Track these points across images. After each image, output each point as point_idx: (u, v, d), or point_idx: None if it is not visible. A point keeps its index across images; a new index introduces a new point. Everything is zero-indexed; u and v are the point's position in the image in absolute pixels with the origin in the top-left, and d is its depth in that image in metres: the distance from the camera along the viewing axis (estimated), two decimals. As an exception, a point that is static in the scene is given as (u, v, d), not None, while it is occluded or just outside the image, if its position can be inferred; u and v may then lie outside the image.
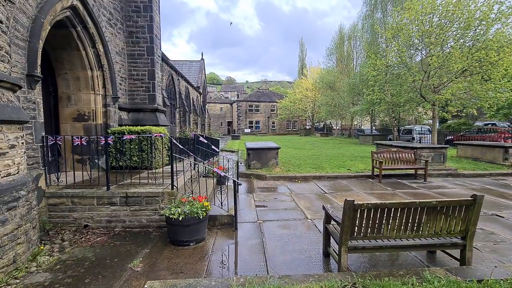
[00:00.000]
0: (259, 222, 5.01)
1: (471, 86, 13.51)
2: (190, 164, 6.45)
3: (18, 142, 3.46)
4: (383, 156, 8.76)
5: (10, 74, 3.54)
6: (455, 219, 3.05)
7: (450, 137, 20.34)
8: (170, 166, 4.68)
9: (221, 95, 71.78)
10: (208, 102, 46.15)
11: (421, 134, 21.29)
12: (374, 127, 30.90)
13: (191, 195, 4.57)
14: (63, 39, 5.89)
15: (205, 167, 6.57)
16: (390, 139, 23.57)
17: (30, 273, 3.28)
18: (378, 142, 13.44)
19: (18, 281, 3.09)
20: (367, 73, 18.34)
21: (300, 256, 3.73)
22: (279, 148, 10.51)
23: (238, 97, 61.58)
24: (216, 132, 48.59)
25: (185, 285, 2.71)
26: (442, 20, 13.46)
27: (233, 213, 4.68)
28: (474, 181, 8.53)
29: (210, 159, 8.88)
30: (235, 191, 4.84)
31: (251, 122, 50.70)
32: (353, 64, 34.02)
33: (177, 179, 4.92)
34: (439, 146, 10.56)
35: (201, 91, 31.59)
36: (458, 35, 13.45)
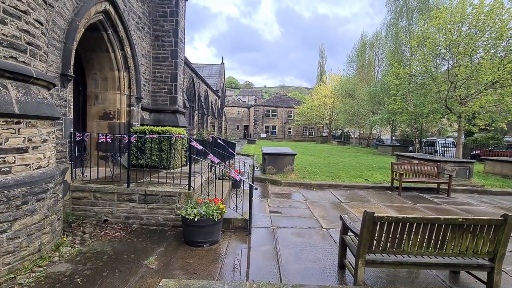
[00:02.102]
0: (273, 228, 4.97)
1: (501, 99, 12.82)
2: (208, 166, 6.53)
3: (49, 137, 3.67)
4: (404, 168, 8.46)
5: (46, 73, 3.78)
6: (483, 239, 2.87)
7: (476, 152, 19.34)
8: (187, 167, 4.77)
9: (239, 99, 72.53)
10: (226, 106, 46.76)
11: (444, 147, 20.40)
12: (394, 138, 29.96)
13: (207, 196, 4.63)
14: (95, 42, 6.21)
15: (222, 169, 6.62)
16: (411, 151, 22.73)
17: (53, 262, 3.43)
18: (398, 153, 13.01)
19: (41, 269, 3.25)
20: (389, 82, 17.89)
21: (314, 265, 3.66)
22: (295, 154, 10.43)
23: (255, 102, 61.96)
24: (233, 135, 49.01)
25: (198, 286, 2.73)
26: (472, 30, 12.93)
27: (248, 217, 4.67)
28: (502, 200, 8.03)
29: (226, 162, 8.95)
30: (251, 196, 4.84)
31: (267, 127, 50.74)
32: (375, 72, 33.33)
33: (194, 180, 5.00)
34: (464, 160, 10.05)
35: (220, 94, 32.08)
36: (489, 45, 12.86)
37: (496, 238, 2.85)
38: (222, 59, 35.66)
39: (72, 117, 4.87)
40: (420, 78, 16.09)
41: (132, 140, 5.01)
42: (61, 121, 4.53)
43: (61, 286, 2.95)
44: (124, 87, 6.83)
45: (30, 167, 3.30)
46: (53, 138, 3.83)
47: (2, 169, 2.98)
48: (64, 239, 3.99)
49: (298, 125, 47.84)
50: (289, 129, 50.93)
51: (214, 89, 29.04)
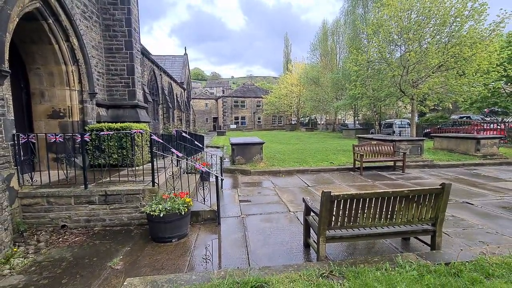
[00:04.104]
0: (243, 217, 5.05)
1: (447, 81, 14.09)
2: (172, 161, 6.37)
3: (-15, 141, 3.29)
4: (364, 149, 9.02)
5: (-27, 69, 3.35)
6: (426, 207, 3.21)
7: (428, 130, 21.17)
8: (150, 164, 4.60)
9: (206, 91, 70.94)
10: (192, 98, 45.44)
11: (401, 127, 22.03)
12: (357, 122, 31.64)
13: (172, 191, 4.53)
14: (34, 32, 5.60)
15: (188, 163, 6.51)
16: (372, 133, 24.23)
17: (2, 276, 3.17)
18: (359, 135, 13.79)
19: (-11, 284, 2.98)
20: (350, 68, 18.69)
21: (282, 248, 3.81)
22: (264, 143, 10.57)
23: (223, 93, 61.03)
24: (202, 128, 48.08)
25: (165, 280, 2.71)
26: (420, 17, 13.88)
27: (216, 208, 4.68)
28: (448, 172, 8.96)
29: (194, 156, 8.79)
30: (218, 187, 4.84)
31: (236, 118, 50.50)
32: (336, 60, 34.52)
33: (158, 176, 4.86)
34: (416, 138, 10.98)
35: (185, 86, 31.05)
36: (434, 31, 13.94)
37: (436, 205, 3.20)
38: (185, 49, 34.40)
39: (13, 118, 4.40)
40: (377, 64, 17.02)
41: (86, 138, 4.69)
42: (-1, 123, 4.07)
43: (13, 299, 2.74)
44: (74, 82, 6.30)
45: (-37, 176, 2.95)
46: (-10, 141, 3.45)
47: None
48: (15, 250, 3.67)
49: (267, 114, 48.30)
50: (259, 118, 51.22)
51: (179, 81, 28.00)
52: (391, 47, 16.12)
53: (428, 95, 15.18)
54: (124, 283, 2.68)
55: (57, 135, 4.46)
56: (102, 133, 5.28)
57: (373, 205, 3.06)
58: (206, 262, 3.51)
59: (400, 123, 22.71)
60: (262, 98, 48.60)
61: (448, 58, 13.29)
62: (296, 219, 4.86)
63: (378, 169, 9.42)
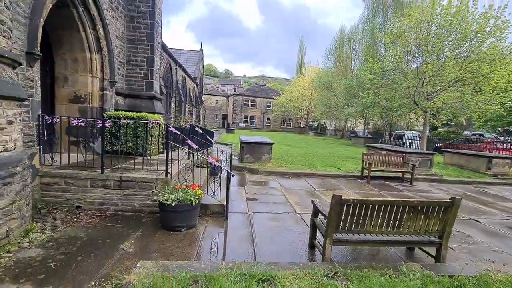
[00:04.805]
0: (249, 214, 5.15)
1: (462, 96, 13.90)
2: (185, 153, 6.52)
3: (16, 119, 3.48)
4: (373, 158, 9.01)
5: (11, 50, 3.55)
6: (433, 219, 3.25)
7: (439, 144, 20.89)
8: (163, 154, 4.76)
9: (218, 88, 71.34)
10: (204, 94, 45.83)
11: (411, 139, 21.78)
12: (367, 130, 31.39)
13: (184, 183, 4.67)
14: (64, 19, 5.83)
15: (200, 156, 6.65)
16: (381, 143, 24.02)
17: (22, 248, 3.34)
18: (369, 144, 13.74)
19: (10, 254, 3.16)
20: (364, 76, 18.59)
21: (287, 247, 3.90)
22: (273, 143, 10.65)
23: (235, 91, 61.35)
24: (211, 124, 48.43)
25: (176, 266, 2.84)
26: (440, 30, 13.74)
27: (225, 203, 4.80)
28: (457, 188, 8.88)
29: (204, 150, 8.94)
30: (228, 182, 4.96)
31: (246, 117, 50.67)
32: (351, 66, 34.31)
33: (171, 167, 5.00)
34: (427, 152, 10.89)
35: (198, 82, 31.37)
36: (454, 45, 13.76)
37: (444, 218, 3.24)
38: (201, 45, 34.79)
39: (39, 99, 4.61)
40: (392, 73, 16.91)
41: (107, 125, 4.88)
42: (28, 103, 4.28)
43: (32, 270, 2.90)
44: (97, 70, 6.52)
45: (-5, 150, 3.14)
46: (20, 120, 3.64)
47: (-36, 151, 2.82)
48: (34, 225, 3.86)
49: (277, 115, 48.31)
50: (268, 119, 51.28)
51: (192, 76, 28.31)
52: (408, 57, 15.99)
53: (442, 109, 15.00)
54: (137, 265, 2.81)
55: (79, 120, 4.65)
56: (122, 121, 5.46)
57: (381, 213, 3.12)
58: (213, 253, 3.63)
59: (411, 135, 22.45)
60: (273, 99, 48.63)
61: (465, 73, 13.11)
62: (302, 221, 4.94)
63: (385, 179, 9.39)
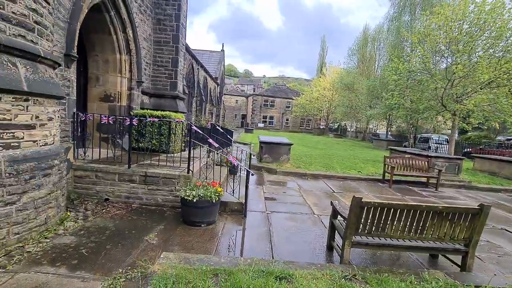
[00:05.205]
0: (267, 213, 5.21)
1: (496, 99, 13.04)
2: (206, 151, 6.70)
3: (55, 115, 3.79)
4: (396, 162, 8.72)
5: (52, 53, 3.85)
6: (459, 226, 3.13)
7: (468, 149, 19.76)
8: (185, 152, 4.94)
9: (238, 88, 72.03)
10: (224, 94, 46.46)
11: (438, 143, 20.78)
12: (389, 133, 30.32)
13: (205, 180, 4.82)
14: (97, 23, 6.21)
15: (220, 155, 6.81)
16: (405, 146, 23.12)
17: (58, 235, 3.63)
18: (392, 147, 13.30)
19: (48, 240, 3.44)
20: (388, 77, 17.99)
21: (305, 247, 3.91)
22: (292, 144, 10.63)
23: (254, 91, 61.61)
24: (230, 124, 48.96)
25: (196, 259, 2.96)
26: (473, 28, 12.99)
27: (243, 201, 4.89)
28: (487, 195, 8.38)
29: (224, 149, 9.12)
30: (247, 180, 5.04)
31: (265, 117, 50.74)
32: (375, 67, 33.28)
33: (193, 164, 5.18)
34: (454, 157, 10.36)
35: (219, 82, 31.87)
36: (488, 45, 12.96)
37: (471, 226, 3.10)
38: (223, 46, 35.19)
39: (75, 98, 4.96)
40: (418, 74, 16.21)
41: (134, 122, 5.14)
42: (64, 101, 4.62)
43: (67, 255, 3.15)
44: (125, 70, 6.88)
45: (37, 144, 3.43)
46: (58, 117, 3.95)
47: (12, 144, 3.11)
48: (68, 214, 4.17)
49: (296, 116, 47.92)
50: (287, 120, 51.00)
51: (214, 76, 28.82)
52: (437, 58, 15.27)
53: (473, 112, 14.14)
54: (161, 256, 2.96)
55: (110, 117, 4.95)
56: (148, 119, 5.72)
57: (403, 217, 3.06)
58: (231, 249, 3.72)
59: (437, 138, 21.41)
60: (293, 99, 48.29)
61: (500, 74, 12.28)
62: (320, 222, 4.92)
63: (408, 183, 9.06)
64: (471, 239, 3.15)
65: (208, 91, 26.14)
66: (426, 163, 8.83)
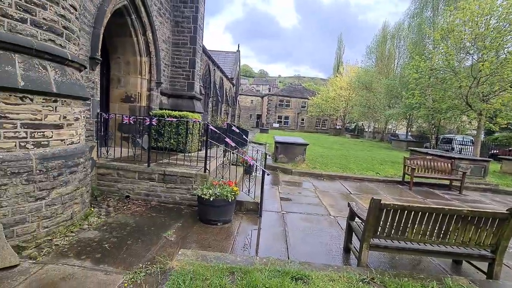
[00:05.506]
0: (283, 213, 5.20)
1: (526, 98, 12.27)
2: (222, 150, 6.79)
3: (81, 116, 3.98)
4: (416, 163, 8.43)
5: (78, 56, 4.05)
6: (486, 231, 2.98)
7: (495, 151, 18.73)
8: (202, 152, 5.03)
9: (253, 88, 72.22)
10: (239, 94, 46.74)
11: (462, 145, 19.83)
12: (409, 133, 29.28)
13: (221, 179, 4.88)
14: (119, 26, 6.45)
15: (237, 155, 6.87)
16: (426, 147, 22.24)
17: (82, 229, 3.81)
18: (412, 148, 12.85)
19: (73, 234, 3.63)
20: (409, 75, 17.38)
21: (321, 248, 3.87)
22: (307, 144, 10.53)
23: (269, 91, 61.49)
24: (245, 123, 49.21)
25: (213, 257, 3.01)
26: (501, 23, 12.30)
27: (259, 200, 4.92)
28: (517, 200, 7.91)
29: (240, 149, 9.19)
30: (263, 180, 5.06)
31: (280, 117, 50.57)
32: (394, 65, 32.29)
33: (209, 164, 5.26)
34: (480, 158, 9.86)
35: (234, 82, 32.12)
36: (518, 40, 12.23)
37: (499, 231, 2.95)
38: (238, 46, 35.44)
39: (99, 99, 5.19)
40: (441, 72, 15.55)
41: (153, 122, 5.30)
42: (89, 102, 4.84)
43: (91, 249, 3.30)
44: (145, 72, 7.09)
45: (64, 142, 3.62)
46: (84, 117, 4.15)
47: (42, 143, 3.31)
48: (92, 210, 4.37)
49: (312, 116, 47.40)
50: (302, 120, 50.56)
51: (229, 76, 29.09)
52: (461, 55, 14.59)
53: (501, 111, 13.38)
54: (179, 253, 3.04)
55: (131, 117, 5.13)
56: (166, 119, 5.88)
57: (425, 220, 2.95)
58: (247, 248, 3.75)
59: (462, 139, 20.43)
60: (308, 99, 47.78)
61: (532, 71, 11.55)
62: (337, 224, 4.85)
63: (430, 186, 8.72)
64: (498, 245, 2.99)
65: (224, 92, 26.41)
66: (449, 165, 8.47)
